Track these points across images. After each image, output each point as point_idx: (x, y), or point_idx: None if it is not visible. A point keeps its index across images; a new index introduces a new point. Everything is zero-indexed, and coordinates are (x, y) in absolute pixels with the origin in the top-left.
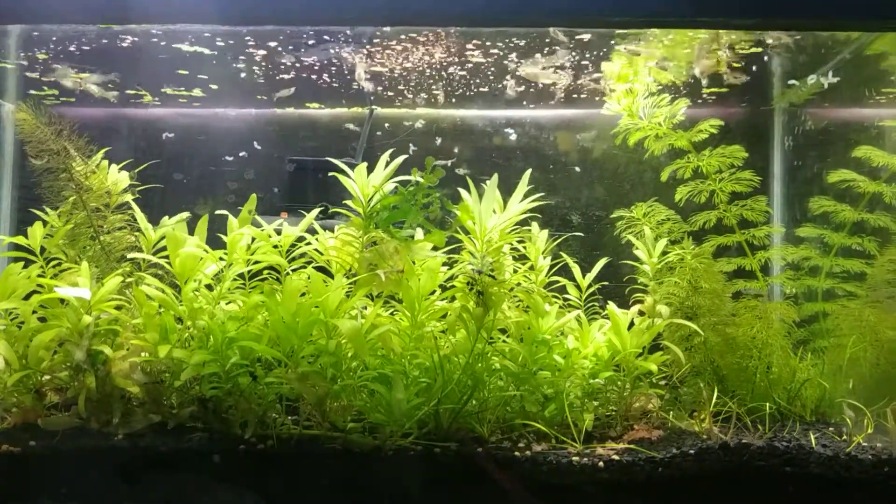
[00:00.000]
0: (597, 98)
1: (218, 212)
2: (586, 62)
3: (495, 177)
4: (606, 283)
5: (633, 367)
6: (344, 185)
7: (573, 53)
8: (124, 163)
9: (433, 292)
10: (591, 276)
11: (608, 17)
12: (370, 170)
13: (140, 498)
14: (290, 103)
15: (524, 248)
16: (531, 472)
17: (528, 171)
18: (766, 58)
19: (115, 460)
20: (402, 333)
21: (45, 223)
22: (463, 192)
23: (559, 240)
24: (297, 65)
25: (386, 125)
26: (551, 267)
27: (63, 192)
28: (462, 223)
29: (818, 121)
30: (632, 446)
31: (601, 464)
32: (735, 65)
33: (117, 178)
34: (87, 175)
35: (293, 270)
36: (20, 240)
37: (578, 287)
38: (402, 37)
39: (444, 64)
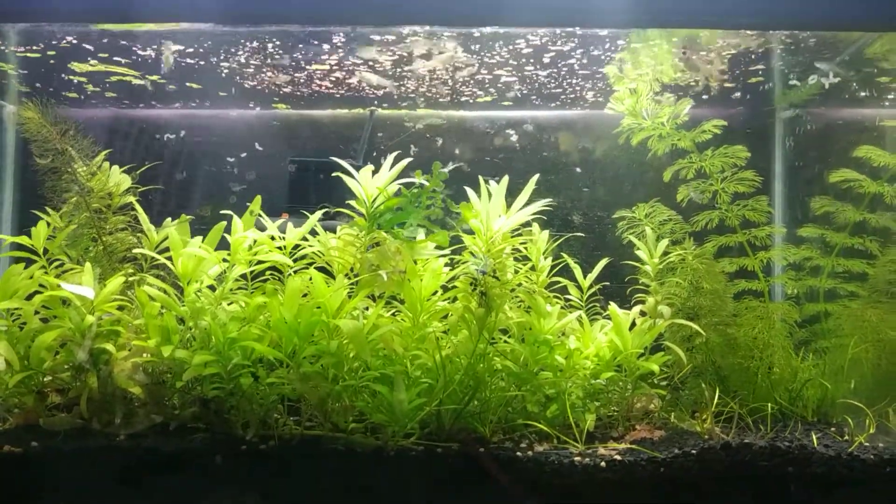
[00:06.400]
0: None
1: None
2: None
3: (505, 178)
4: (608, 283)
5: (635, 368)
6: (346, 185)
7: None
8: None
9: (435, 293)
10: (592, 276)
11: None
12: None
13: (142, 499)
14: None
15: (525, 248)
16: (533, 472)
17: (536, 176)
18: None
19: (116, 461)
20: (403, 334)
21: (48, 224)
22: (469, 191)
23: (560, 240)
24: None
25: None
26: (553, 267)
27: (66, 192)
28: (466, 222)
29: (819, 121)
30: (634, 446)
31: (603, 464)
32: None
33: (119, 178)
34: (90, 175)
35: (295, 271)
36: (23, 240)
37: (580, 287)
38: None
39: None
